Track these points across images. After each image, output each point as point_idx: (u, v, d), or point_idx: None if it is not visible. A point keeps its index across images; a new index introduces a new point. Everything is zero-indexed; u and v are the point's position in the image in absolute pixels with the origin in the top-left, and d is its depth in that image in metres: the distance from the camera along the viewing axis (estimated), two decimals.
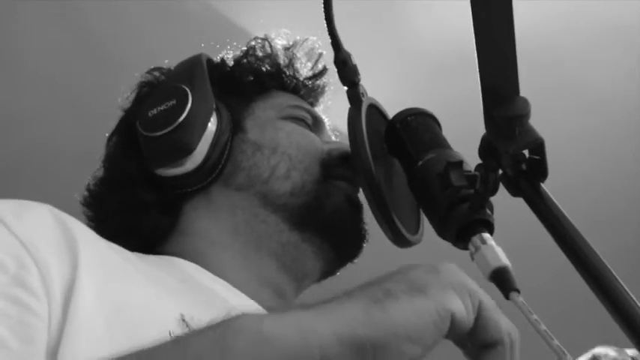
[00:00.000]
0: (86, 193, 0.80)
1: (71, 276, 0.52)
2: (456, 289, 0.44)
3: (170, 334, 0.52)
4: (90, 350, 0.48)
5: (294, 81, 0.86)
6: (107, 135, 0.84)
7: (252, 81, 0.83)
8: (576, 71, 2.12)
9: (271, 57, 0.86)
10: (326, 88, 0.89)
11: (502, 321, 0.45)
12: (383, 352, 0.37)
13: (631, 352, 0.64)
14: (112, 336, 0.50)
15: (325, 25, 0.71)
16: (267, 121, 0.80)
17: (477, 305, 0.44)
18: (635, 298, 0.49)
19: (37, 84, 2.03)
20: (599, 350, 0.65)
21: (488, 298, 0.46)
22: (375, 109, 0.76)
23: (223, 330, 0.38)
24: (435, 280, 0.43)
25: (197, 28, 1.97)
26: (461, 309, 0.43)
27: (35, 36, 1.96)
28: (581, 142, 2.26)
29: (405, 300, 0.40)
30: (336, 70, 0.75)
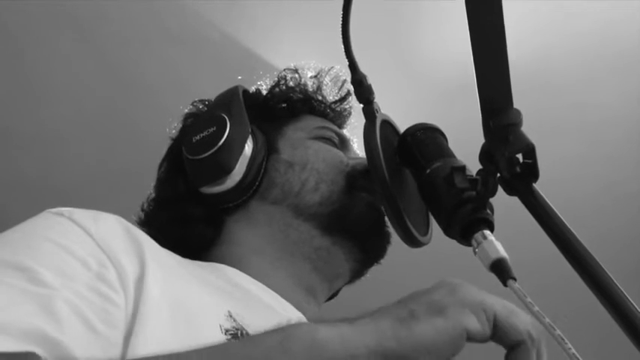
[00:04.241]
0: (141, 213, 0.89)
1: (140, 274, 0.60)
2: (471, 308, 0.49)
3: (220, 327, 0.61)
4: (157, 334, 0.55)
5: (322, 106, 0.95)
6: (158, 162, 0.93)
7: (284, 107, 0.93)
8: (578, 94, 2.18)
9: (301, 85, 0.95)
10: (352, 111, 0.97)
11: (520, 323, 0.50)
12: None
13: None
14: (175, 324, 0.58)
15: (344, 50, 0.79)
16: (298, 142, 0.89)
17: (492, 318, 0.50)
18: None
19: (65, 108, 2.13)
20: None
21: (505, 305, 0.51)
22: (387, 124, 0.83)
23: (286, 335, 0.45)
24: (452, 301, 0.49)
25: (216, 56, 2.07)
26: (475, 325, 0.49)
27: (65, 65, 2.06)
28: (582, 163, 2.31)
29: (425, 320, 0.47)
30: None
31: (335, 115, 0.97)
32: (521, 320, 0.50)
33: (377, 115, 0.80)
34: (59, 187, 2.16)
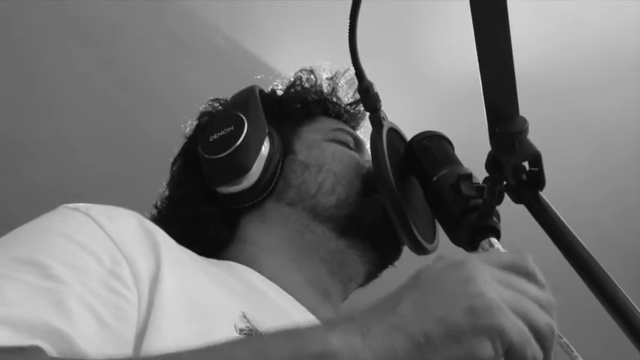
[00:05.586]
0: (154, 210, 0.89)
1: (155, 272, 0.60)
2: (489, 334, 0.47)
3: (235, 327, 0.62)
4: (172, 332, 0.56)
5: (337, 107, 0.95)
6: (171, 160, 0.93)
7: (299, 108, 0.92)
8: (584, 101, 2.18)
9: (316, 86, 0.95)
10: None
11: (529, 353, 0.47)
12: None
13: None
14: (189, 322, 0.58)
15: (350, 58, 0.79)
16: (314, 143, 0.89)
17: (507, 346, 0.47)
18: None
19: (75, 116, 2.14)
20: None
21: (522, 333, 0.48)
22: (394, 132, 0.84)
23: (297, 342, 0.46)
24: (470, 326, 0.47)
25: (223, 64, 2.08)
26: (489, 353, 0.46)
27: (74, 73, 2.07)
28: (588, 171, 2.31)
29: (442, 351, 0.46)
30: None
31: (350, 117, 0.97)
32: (532, 350, 0.48)
33: (384, 123, 0.81)
34: (70, 195, 2.16)
